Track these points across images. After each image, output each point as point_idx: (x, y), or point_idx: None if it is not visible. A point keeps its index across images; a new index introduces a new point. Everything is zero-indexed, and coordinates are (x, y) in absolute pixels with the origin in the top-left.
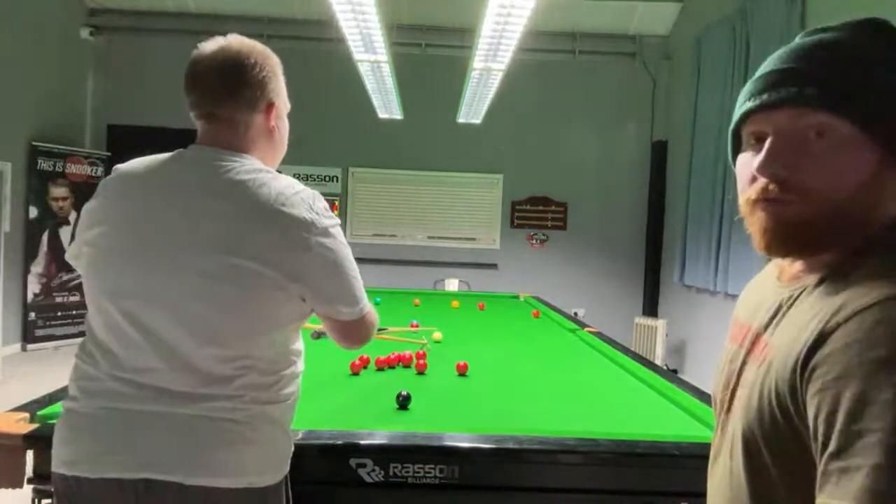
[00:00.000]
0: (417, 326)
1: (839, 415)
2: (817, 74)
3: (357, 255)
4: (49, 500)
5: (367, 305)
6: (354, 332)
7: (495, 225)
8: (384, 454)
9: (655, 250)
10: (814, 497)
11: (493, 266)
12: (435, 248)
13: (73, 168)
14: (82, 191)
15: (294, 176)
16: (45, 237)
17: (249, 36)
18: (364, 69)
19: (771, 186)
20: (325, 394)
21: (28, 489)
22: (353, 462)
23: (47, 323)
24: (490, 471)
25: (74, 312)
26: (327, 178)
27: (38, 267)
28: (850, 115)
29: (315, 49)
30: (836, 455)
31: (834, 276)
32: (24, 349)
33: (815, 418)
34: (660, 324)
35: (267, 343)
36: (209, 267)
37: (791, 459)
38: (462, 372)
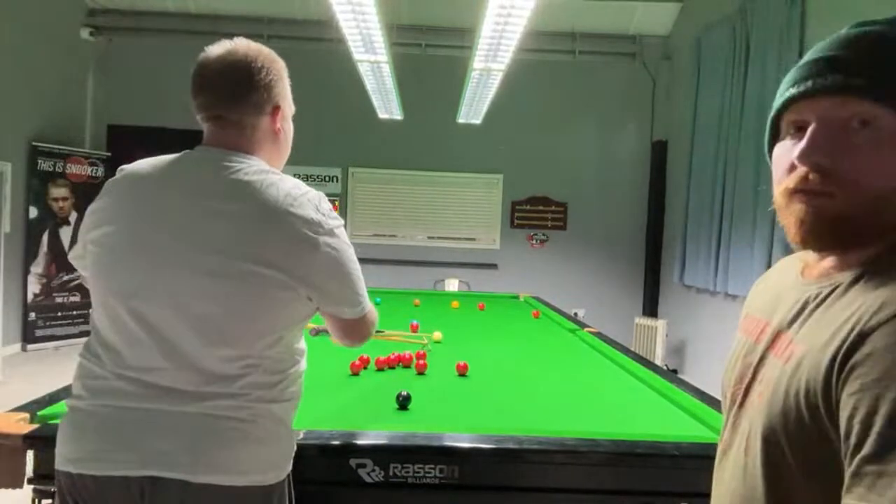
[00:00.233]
0: (417, 327)
1: (878, 417)
2: (864, 64)
3: (357, 255)
4: (49, 501)
5: (369, 304)
6: (356, 330)
7: (495, 225)
8: (384, 454)
9: (655, 250)
10: (834, 499)
11: (493, 266)
12: (435, 249)
13: (73, 168)
14: (82, 191)
15: (294, 176)
16: (45, 237)
17: (249, 36)
18: (364, 69)
19: (811, 176)
20: (325, 394)
21: (28, 489)
22: (353, 462)
23: (47, 323)
24: (490, 471)
25: (75, 313)
26: (327, 178)
27: (38, 267)
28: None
29: (315, 49)
30: (873, 458)
31: (872, 274)
32: (24, 349)
33: (851, 418)
34: (660, 324)
35: (273, 342)
36: (217, 267)
37: (815, 460)
38: (462, 372)
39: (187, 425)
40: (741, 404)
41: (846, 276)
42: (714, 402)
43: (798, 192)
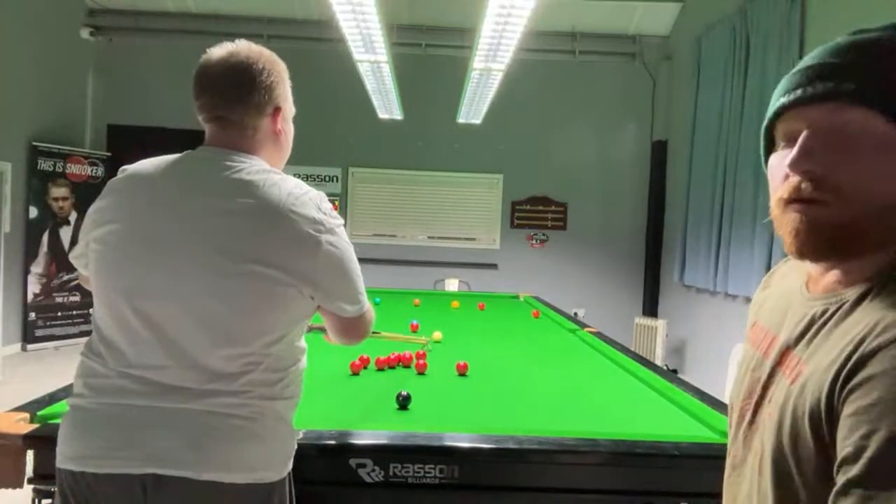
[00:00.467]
0: (417, 327)
1: (871, 442)
2: (856, 70)
3: (357, 255)
4: (49, 500)
5: (367, 303)
6: (354, 328)
7: (495, 225)
8: (384, 454)
9: (655, 250)
10: None
11: (493, 266)
12: (435, 248)
13: (73, 168)
14: (82, 191)
15: (294, 176)
16: (45, 237)
17: (249, 36)
18: (364, 69)
19: (804, 185)
20: (326, 394)
21: (28, 489)
22: (353, 462)
23: (47, 323)
24: (490, 471)
25: (75, 312)
26: (327, 178)
27: (38, 267)
28: (889, 112)
29: (315, 49)
30: (861, 482)
31: (877, 292)
32: (24, 349)
33: (844, 439)
34: (660, 324)
35: (275, 340)
36: (220, 265)
37: (824, 485)
38: (462, 372)
39: (189, 423)
40: (752, 421)
41: (851, 293)
42: (714, 402)
43: (792, 201)
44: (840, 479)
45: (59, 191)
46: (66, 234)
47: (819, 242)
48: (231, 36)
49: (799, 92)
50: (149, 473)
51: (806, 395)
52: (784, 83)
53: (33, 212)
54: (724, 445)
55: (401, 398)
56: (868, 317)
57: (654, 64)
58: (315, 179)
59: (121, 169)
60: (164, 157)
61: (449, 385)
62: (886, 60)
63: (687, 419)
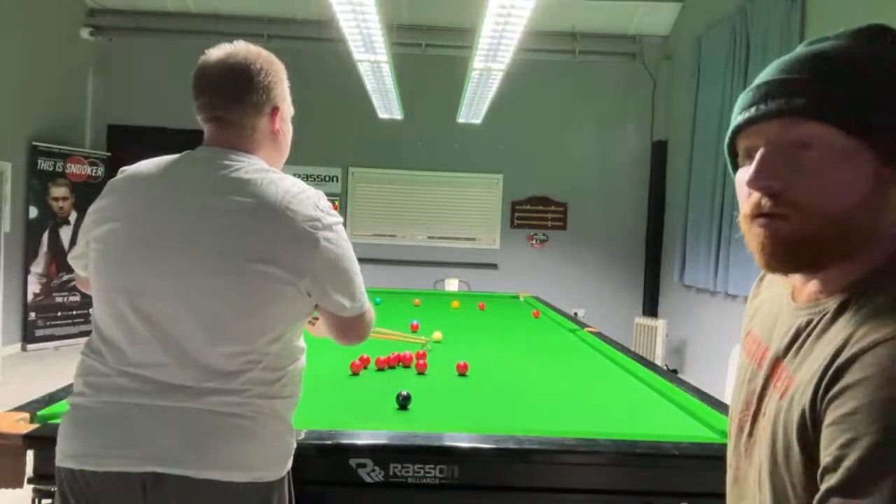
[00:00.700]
0: (417, 327)
1: (849, 451)
2: (806, 83)
3: (357, 254)
4: (49, 500)
5: (367, 303)
6: (353, 328)
7: (495, 225)
8: (384, 454)
9: (655, 250)
10: None
11: (493, 266)
12: (435, 248)
13: (73, 168)
14: (82, 191)
15: (294, 176)
16: (45, 237)
17: (249, 35)
18: (364, 69)
19: (763, 201)
20: (326, 394)
21: (28, 489)
22: (353, 462)
23: (47, 323)
24: (490, 471)
25: (75, 312)
26: (327, 178)
27: (38, 267)
28: (841, 124)
29: (315, 49)
30: (839, 490)
31: (855, 301)
32: (24, 349)
33: (825, 448)
34: (660, 324)
35: (274, 339)
36: (219, 263)
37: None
38: (462, 372)
39: (189, 421)
40: (750, 434)
41: (832, 303)
42: (714, 402)
43: (756, 216)
44: (822, 488)
45: (59, 191)
46: (66, 233)
47: (784, 256)
48: (231, 36)
49: (753, 110)
50: (148, 472)
51: (793, 409)
52: (741, 100)
53: (33, 212)
54: (724, 445)
55: (401, 398)
56: (847, 327)
57: (654, 64)
58: (315, 179)
59: (120, 170)
60: (164, 158)
61: (449, 385)
62: (834, 72)
63: (687, 419)
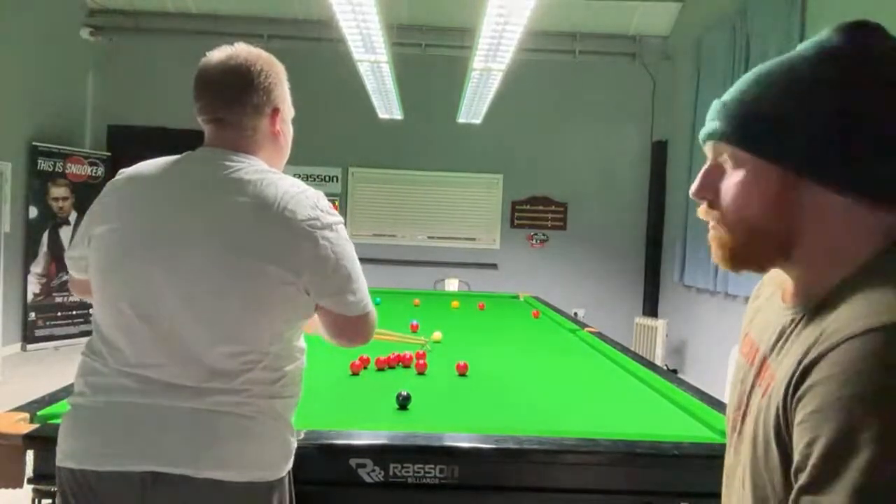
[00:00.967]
0: (417, 327)
1: (815, 448)
2: (730, 111)
3: (357, 254)
4: (49, 501)
5: (370, 304)
6: (356, 329)
7: (495, 225)
8: (384, 454)
9: (655, 250)
10: None
11: (493, 266)
12: (435, 248)
13: (73, 168)
14: (82, 191)
15: (294, 176)
16: (45, 237)
17: (249, 35)
18: (364, 69)
19: (700, 209)
20: (326, 394)
21: (28, 489)
22: (353, 462)
23: (47, 323)
24: (490, 471)
25: (74, 312)
26: (327, 178)
27: (38, 267)
28: (744, 145)
29: (315, 49)
30: (808, 489)
31: (831, 301)
32: (23, 349)
33: (796, 447)
34: (660, 324)
35: (275, 339)
36: (220, 263)
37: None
38: (462, 372)
39: (189, 421)
40: (740, 432)
41: (813, 302)
42: (714, 402)
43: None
44: (794, 487)
45: (58, 191)
46: (65, 234)
47: (727, 258)
48: (231, 35)
49: (701, 132)
50: (148, 471)
51: (771, 408)
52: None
53: (33, 212)
54: (724, 445)
55: (401, 398)
56: (819, 325)
57: (654, 64)
58: (315, 179)
59: (119, 172)
60: (164, 158)
61: (449, 385)
62: (755, 96)
63: (687, 419)
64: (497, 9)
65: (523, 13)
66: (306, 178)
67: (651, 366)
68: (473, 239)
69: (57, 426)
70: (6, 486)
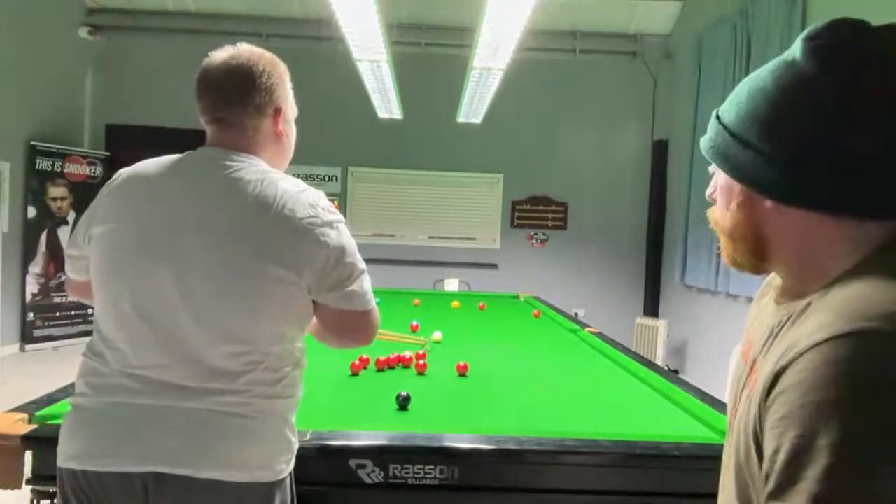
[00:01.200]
0: (417, 327)
1: (780, 454)
2: (715, 118)
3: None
4: (48, 502)
5: (373, 303)
6: (358, 327)
7: (495, 225)
8: (384, 455)
9: (656, 250)
10: None
11: (494, 266)
12: (435, 248)
13: (71, 168)
14: (81, 191)
15: (293, 175)
16: (43, 237)
17: (249, 35)
18: (364, 69)
19: (710, 210)
20: (326, 394)
21: (27, 490)
22: (352, 463)
23: (46, 323)
24: (490, 472)
25: (73, 313)
26: (327, 178)
27: (36, 267)
28: (713, 159)
29: (315, 49)
30: (773, 495)
31: (806, 309)
32: (22, 349)
33: (765, 454)
34: (661, 324)
35: (276, 339)
36: (220, 264)
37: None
38: (462, 372)
39: (191, 421)
40: (732, 431)
41: (799, 306)
42: (715, 403)
43: None
44: (764, 492)
45: (57, 190)
46: (64, 233)
47: (724, 257)
48: (230, 35)
49: (702, 140)
50: (150, 472)
51: (751, 411)
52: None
53: (31, 211)
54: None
55: (401, 399)
56: (796, 332)
57: (654, 63)
58: (315, 179)
59: (118, 172)
60: (165, 157)
61: (449, 386)
62: (721, 113)
63: (688, 419)
64: (497, 8)
65: (523, 12)
66: (306, 178)
67: (652, 366)
68: (473, 239)
69: (56, 427)
70: (4, 487)
